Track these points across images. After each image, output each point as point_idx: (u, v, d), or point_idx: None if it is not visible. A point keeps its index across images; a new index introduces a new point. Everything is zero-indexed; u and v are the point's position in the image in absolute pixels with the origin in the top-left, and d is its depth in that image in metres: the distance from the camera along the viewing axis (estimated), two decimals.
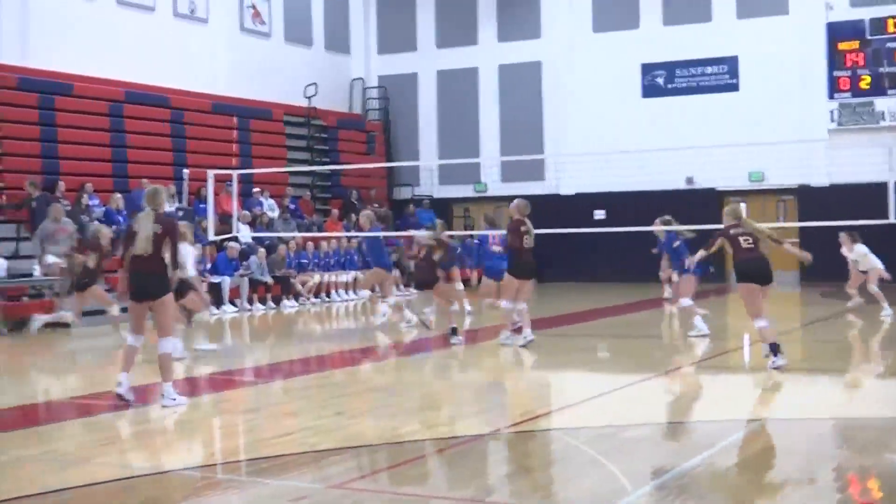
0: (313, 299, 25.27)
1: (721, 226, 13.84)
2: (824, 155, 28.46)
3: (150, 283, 10.89)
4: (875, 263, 19.96)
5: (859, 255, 20.03)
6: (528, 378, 13.47)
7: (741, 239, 13.31)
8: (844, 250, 20.17)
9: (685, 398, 11.77)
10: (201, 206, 23.74)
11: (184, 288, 14.00)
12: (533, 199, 16.85)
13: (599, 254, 29.88)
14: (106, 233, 17.13)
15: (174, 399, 10.86)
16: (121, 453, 8.99)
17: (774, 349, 12.99)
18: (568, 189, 31.66)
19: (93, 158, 24.65)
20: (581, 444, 8.82)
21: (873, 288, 19.81)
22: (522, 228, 15.54)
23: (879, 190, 19.74)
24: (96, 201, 23.15)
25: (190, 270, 14.67)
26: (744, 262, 13.25)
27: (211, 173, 21.72)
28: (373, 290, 24.66)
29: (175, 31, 28.40)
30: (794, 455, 8.53)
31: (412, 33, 35.04)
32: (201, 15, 29.23)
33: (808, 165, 28.40)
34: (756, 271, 13.17)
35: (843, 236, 20.17)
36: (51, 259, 20.08)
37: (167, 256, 10.93)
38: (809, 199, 29.32)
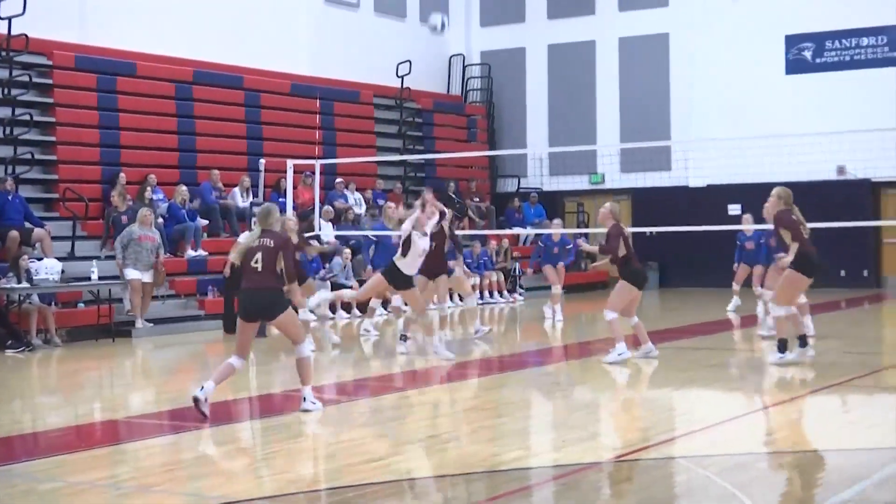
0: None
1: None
2: None
3: (262, 300, 11.42)
4: None
5: None
6: (648, 398, 13.37)
7: (801, 227, 14.27)
8: None
9: (833, 422, 11.55)
10: (279, 199, 23.97)
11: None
12: (658, 193, 16.82)
13: (733, 255, 29.58)
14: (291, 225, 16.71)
15: (314, 403, 11.73)
16: (187, 480, 9.09)
17: (783, 346, 14.45)
18: (698, 181, 31.31)
19: (157, 147, 24.98)
20: (713, 475, 8.74)
21: None
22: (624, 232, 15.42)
23: None
24: (160, 195, 23.48)
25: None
26: (806, 254, 14.14)
27: (290, 163, 21.92)
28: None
29: (250, 3, 28.70)
30: None
31: (520, 2, 35.00)
32: None
33: None
34: (815, 266, 14.27)
35: None
36: (131, 275, 20.21)
37: (280, 270, 11.46)
38: None
